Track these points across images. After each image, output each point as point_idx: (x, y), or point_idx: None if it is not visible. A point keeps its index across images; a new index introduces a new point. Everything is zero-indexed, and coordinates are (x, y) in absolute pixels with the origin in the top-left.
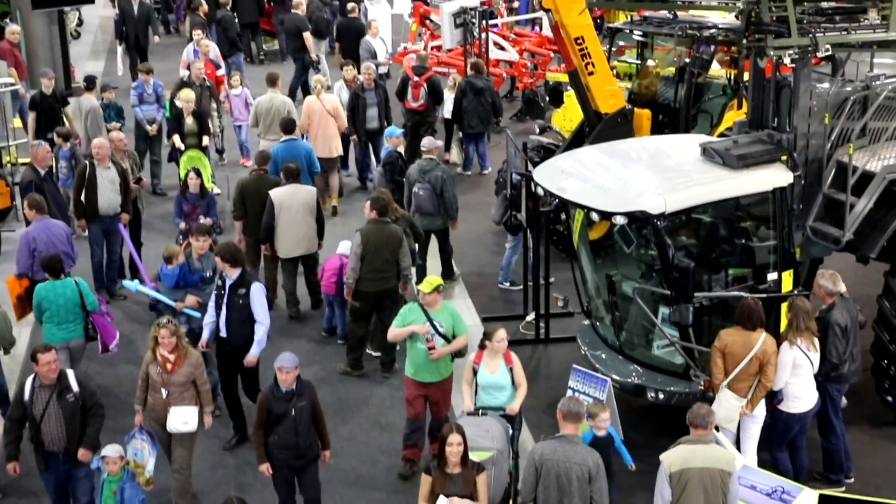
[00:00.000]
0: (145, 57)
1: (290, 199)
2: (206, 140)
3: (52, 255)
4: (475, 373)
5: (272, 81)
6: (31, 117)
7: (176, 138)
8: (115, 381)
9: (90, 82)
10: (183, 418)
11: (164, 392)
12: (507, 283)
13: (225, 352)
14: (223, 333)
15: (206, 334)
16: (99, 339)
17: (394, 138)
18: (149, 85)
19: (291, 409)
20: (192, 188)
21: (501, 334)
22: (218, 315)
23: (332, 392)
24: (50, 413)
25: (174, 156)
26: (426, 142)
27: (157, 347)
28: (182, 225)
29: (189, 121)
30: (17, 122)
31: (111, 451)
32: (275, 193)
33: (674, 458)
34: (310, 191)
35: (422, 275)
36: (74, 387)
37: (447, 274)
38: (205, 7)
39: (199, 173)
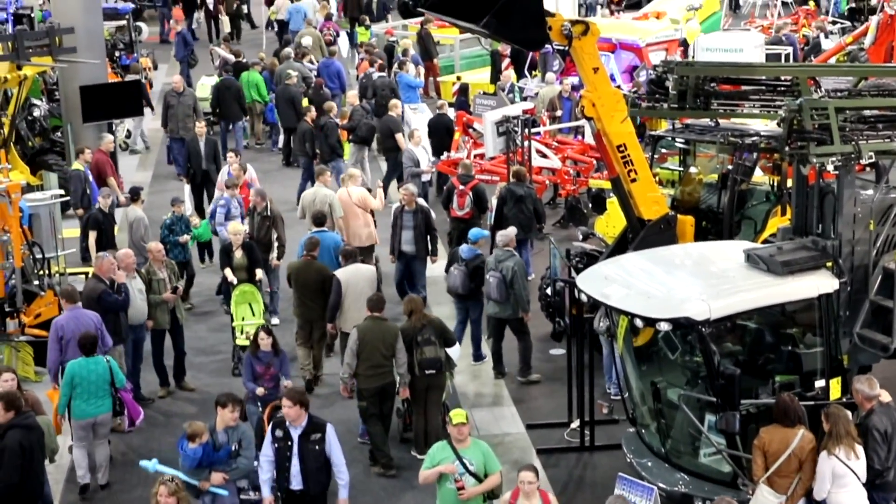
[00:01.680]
0: (211, 192)
1: (355, 277)
2: (259, 273)
3: (84, 333)
4: None
5: (318, 174)
6: (92, 237)
7: (228, 272)
8: None
9: (135, 194)
10: None
11: None
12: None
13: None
14: (297, 486)
15: (266, 492)
16: (126, 415)
17: (482, 240)
18: (234, 199)
19: None
20: (264, 347)
21: (525, 476)
22: (287, 468)
23: (373, 497)
24: None
25: (225, 290)
26: (506, 232)
27: None
28: (259, 391)
29: (238, 254)
30: (67, 233)
31: None
32: (340, 274)
33: None
34: (370, 268)
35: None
36: None
37: (523, 372)
38: (313, 114)
39: (269, 332)
